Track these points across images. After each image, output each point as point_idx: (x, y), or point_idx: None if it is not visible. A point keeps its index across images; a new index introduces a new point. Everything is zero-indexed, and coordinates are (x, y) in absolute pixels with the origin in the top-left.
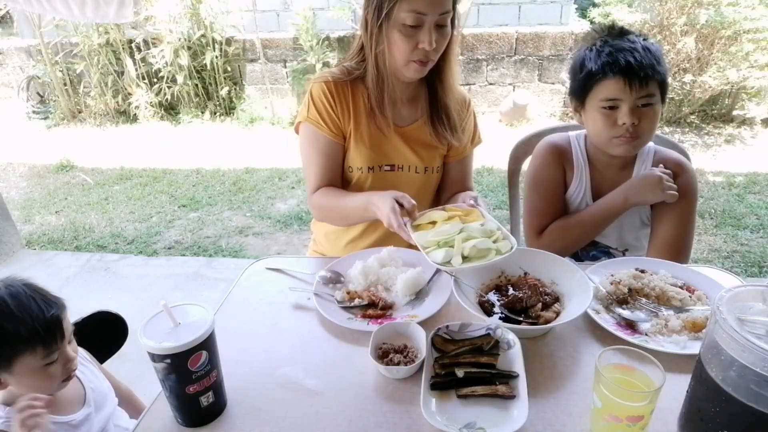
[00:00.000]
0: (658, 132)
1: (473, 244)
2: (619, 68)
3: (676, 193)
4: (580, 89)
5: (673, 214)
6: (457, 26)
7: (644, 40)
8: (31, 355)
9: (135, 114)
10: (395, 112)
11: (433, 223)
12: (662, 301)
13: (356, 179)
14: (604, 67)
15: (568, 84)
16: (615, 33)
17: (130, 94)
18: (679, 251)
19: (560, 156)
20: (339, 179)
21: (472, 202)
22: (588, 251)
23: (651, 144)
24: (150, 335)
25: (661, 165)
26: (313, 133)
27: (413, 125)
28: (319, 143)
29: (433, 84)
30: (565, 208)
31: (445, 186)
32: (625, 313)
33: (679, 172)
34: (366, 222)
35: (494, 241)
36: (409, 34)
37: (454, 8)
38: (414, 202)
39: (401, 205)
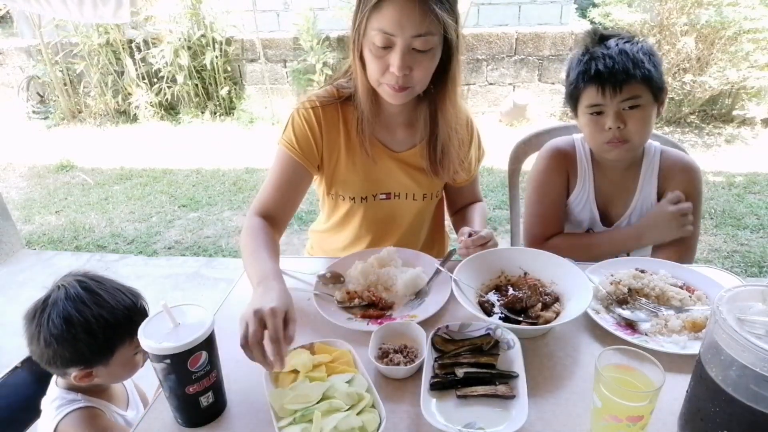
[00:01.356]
0: (657, 132)
1: (335, 425)
2: (590, 77)
3: (692, 227)
4: (569, 97)
5: None
6: (457, 55)
7: (626, 42)
8: (129, 344)
9: (135, 114)
10: (391, 137)
11: (295, 372)
12: (662, 301)
13: (348, 209)
14: (578, 77)
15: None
16: (596, 39)
17: (130, 94)
18: (683, 252)
19: (563, 160)
20: (286, 212)
21: (464, 237)
22: None
23: (657, 144)
24: (150, 335)
25: (667, 168)
26: (283, 154)
27: (410, 151)
28: (285, 165)
29: (434, 111)
30: (567, 213)
31: (456, 203)
32: (625, 313)
33: (686, 173)
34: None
35: (360, 412)
36: (379, 55)
37: (447, 33)
38: (282, 337)
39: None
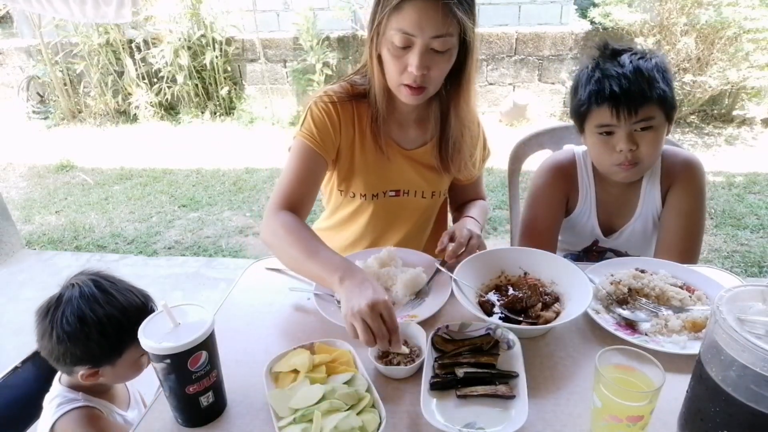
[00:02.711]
0: None
1: (335, 424)
2: (604, 98)
3: None
4: (576, 114)
5: (681, 214)
6: (473, 55)
7: (640, 58)
8: (136, 346)
9: (135, 114)
10: (403, 134)
11: (295, 372)
12: (662, 301)
13: (358, 206)
14: (590, 96)
15: (568, 86)
16: (607, 54)
17: (130, 94)
18: (686, 251)
19: (563, 176)
20: (308, 203)
21: (462, 239)
22: (593, 262)
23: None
24: (150, 335)
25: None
26: (301, 146)
27: (421, 149)
28: (304, 155)
29: (446, 110)
30: (571, 227)
31: (458, 200)
32: (625, 313)
33: (688, 170)
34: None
35: (360, 412)
36: (397, 55)
37: (465, 34)
38: (398, 325)
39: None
